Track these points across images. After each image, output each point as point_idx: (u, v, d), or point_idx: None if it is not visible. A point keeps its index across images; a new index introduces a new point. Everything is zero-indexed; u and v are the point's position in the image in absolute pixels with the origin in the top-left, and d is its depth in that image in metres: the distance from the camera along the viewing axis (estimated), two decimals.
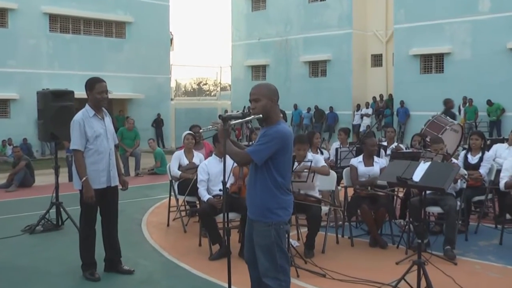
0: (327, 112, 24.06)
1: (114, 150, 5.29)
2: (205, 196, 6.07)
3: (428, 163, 4.67)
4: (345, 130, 9.00)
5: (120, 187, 5.36)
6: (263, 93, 3.61)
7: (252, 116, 3.64)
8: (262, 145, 3.51)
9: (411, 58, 21.67)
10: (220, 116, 3.60)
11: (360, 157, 6.86)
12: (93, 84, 5.09)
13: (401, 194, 7.63)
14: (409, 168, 4.62)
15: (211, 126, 3.77)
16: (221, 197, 5.78)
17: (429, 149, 7.01)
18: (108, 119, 5.25)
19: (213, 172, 6.21)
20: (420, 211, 5.69)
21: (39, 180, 12.22)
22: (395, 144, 9.05)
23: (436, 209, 6.23)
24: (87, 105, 5.14)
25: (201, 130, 4.19)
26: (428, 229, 6.49)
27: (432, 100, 20.33)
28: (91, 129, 5.05)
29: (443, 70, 21.16)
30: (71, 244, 6.15)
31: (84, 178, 4.97)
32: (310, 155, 6.28)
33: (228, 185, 5.88)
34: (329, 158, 8.20)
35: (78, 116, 5.08)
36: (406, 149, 8.53)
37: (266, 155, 3.50)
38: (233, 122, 3.69)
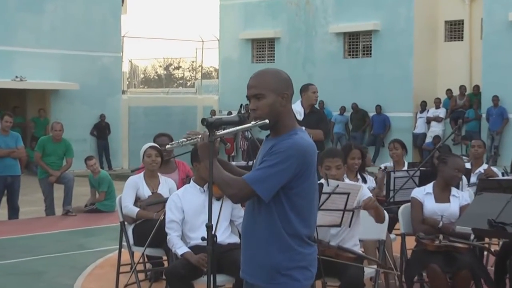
0: (371, 114, 24.14)
1: None
2: (179, 247, 6.08)
3: None
4: (401, 143, 9.04)
5: None
6: (268, 85, 3.65)
7: (253, 123, 3.65)
8: (270, 168, 3.53)
9: None
10: (204, 121, 3.60)
11: (429, 187, 6.86)
12: None
13: (495, 248, 7.60)
14: (509, 206, 4.62)
15: (185, 140, 3.76)
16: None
17: None
18: None
19: (191, 209, 6.23)
20: None
21: None
22: (485, 166, 9.05)
23: None
24: None
25: (168, 146, 4.09)
26: None
27: None
28: None
29: None
30: None
31: None
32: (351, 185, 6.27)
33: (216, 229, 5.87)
34: (374, 188, 8.22)
35: None
36: (503, 175, 8.52)
37: (277, 185, 3.53)
38: (223, 132, 3.68)
